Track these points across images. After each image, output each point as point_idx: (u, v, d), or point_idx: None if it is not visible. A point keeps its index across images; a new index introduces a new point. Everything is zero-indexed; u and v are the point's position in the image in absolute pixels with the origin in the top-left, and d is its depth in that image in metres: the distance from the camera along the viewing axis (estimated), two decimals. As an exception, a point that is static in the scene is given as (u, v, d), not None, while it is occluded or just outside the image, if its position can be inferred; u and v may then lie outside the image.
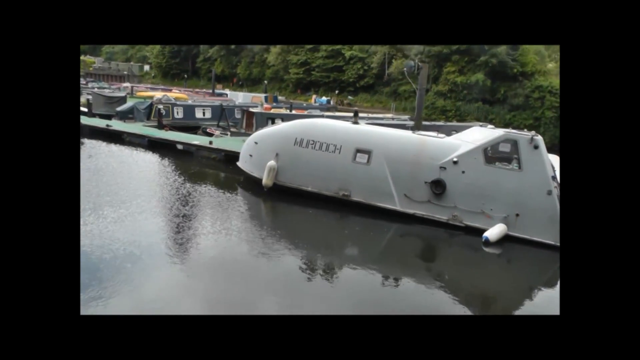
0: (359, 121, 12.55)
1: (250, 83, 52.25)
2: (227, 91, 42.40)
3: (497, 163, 9.90)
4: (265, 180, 11.73)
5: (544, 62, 32.08)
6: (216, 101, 24.82)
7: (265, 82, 45.91)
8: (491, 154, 10.01)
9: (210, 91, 37.53)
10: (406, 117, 30.57)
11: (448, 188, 10.11)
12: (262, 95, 38.88)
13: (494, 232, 9.40)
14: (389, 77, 45.36)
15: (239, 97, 35.94)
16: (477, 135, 10.60)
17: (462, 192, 10.05)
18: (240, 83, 52.99)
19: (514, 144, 9.72)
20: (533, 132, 9.78)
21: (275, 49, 49.14)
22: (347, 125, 11.80)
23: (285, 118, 19.88)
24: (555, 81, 28.60)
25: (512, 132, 10.03)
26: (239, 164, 13.34)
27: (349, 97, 48.44)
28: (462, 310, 6.80)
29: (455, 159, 10.08)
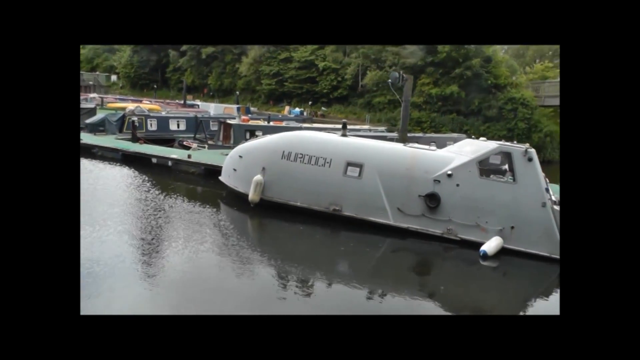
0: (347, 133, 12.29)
1: (222, 94, 51.40)
2: (198, 102, 41.47)
3: (491, 176, 9.81)
4: (252, 196, 11.26)
5: (516, 75, 32.99)
6: (190, 113, 24.11)
7: (237, 92, 45.22)
8: (484, 167, 9.93)
9: (182, 102, 36.57)
10: (383, 128, 30.73)
11: (443, 201, 9.94)
12: (235, 106, 38.23)
13: (491, 245, 9.27)
14: (363, 89, 45.63)
15: (211, 108, 35.17)
16: (470, 147, 10.51)
17: (456, 205, 9.90)
18: (211, 94, 52.05)
19: (508, 156, 9.67)
20: (527, 145, 9.76)
21: (247, 59, 48.60)
22: (337, 137, 11.50)
23: (263, 130, 19.49)
24: (527, 93, 29.40)
25: (505, 144, 9.99)
26: (221, 178, 12.81)
27: (323, 108, 48.41)
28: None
29: (449, 172, 9.93)
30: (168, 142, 19.67)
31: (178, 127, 21.26)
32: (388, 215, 10.43)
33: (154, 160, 16.05)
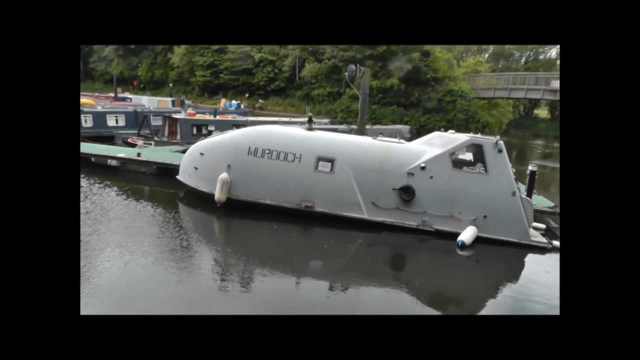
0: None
1: (153, 86, 48.65)
2: (129, 95, 38.81)
3: (464, 167, 10.02)
4: (219, 195, 10.62)
5: (453, 69, 34.44)
6: (129, 107, 22.39)
7: (170, 85, 43.00)
8: (455, 159, 10.13)
9: (113, 95, 34.01)
10: (326, 120, 30.70)
11: (417, 194, 10.00)
12: (169, 99, 36.30)
13: (468, 234, 9.49)
14: (301, 81, 45.32)
15: (144, 102, 33.07)
16: (440, 140, 10.65)
17: (431, 197, 10.01)
18: (141, 86, 49.02)
19: (479, 148, 9.91)
20: (497, 137, 10.07)
21: (179, 49, 46.31)
22: (306, 132, 11.16)
23: (211, 124, 18.62)
24: (464, 86, 30.79)
25: (477, 136, 10.24)
26: (180, 177, 11.97)
27: (260, 100, 47.52)
28: (436, 312, 6.82)
29: (423, 165, 10.00)
30: (107, 139, 18.11)
31: (117, 123, 19.62)
32: (362, 209, 10.32)
33: (93, 159, 14.61)
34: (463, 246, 9.34)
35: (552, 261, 9.69)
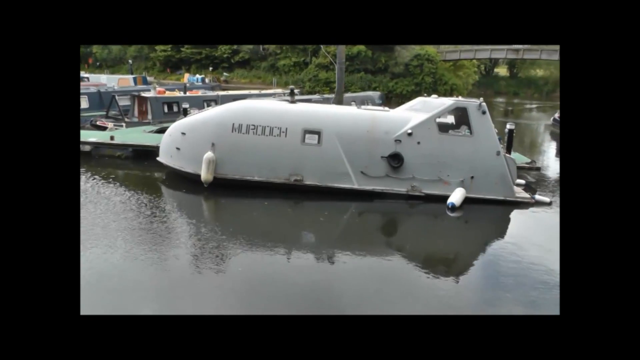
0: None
1: (110, 63, 46.37)
2: (85, 74, 36.84)
3: (449, 131, 10.17)
4: (205, 175, 10.41)
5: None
6: (90, 87, 21.30)
7: (130, 61, 41.06)
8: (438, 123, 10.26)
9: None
10: (297, 90, 30.25)
11: (405, 160, 10.13)
12: (130, 76, 34.69)
13: (457, 196, 9.74)
14: (266, 52, 44.28)
15: (104, 80, 31.48)
16: (424, 105, 10.73)
17: (419, 162, 10.16)
18: (98, 64, 46.62)
19: (464, 111, 10.06)
20: (481, 99, 10.23)
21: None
22: (289, 105, 10.99)
23: (182, 102, 18.03)
24: (430, 50, 30.85)
25: (461, 100, 10.36)
26: (160, 159, 11.62)
27: (225, 74, 46.29)
28: (431, 275, 7.15)
29: (409, 131, 10.09)
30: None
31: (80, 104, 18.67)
32: (352, 179, 10.38)
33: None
34: (453, 208, 9.60)
35: (536, 215, 10.16)
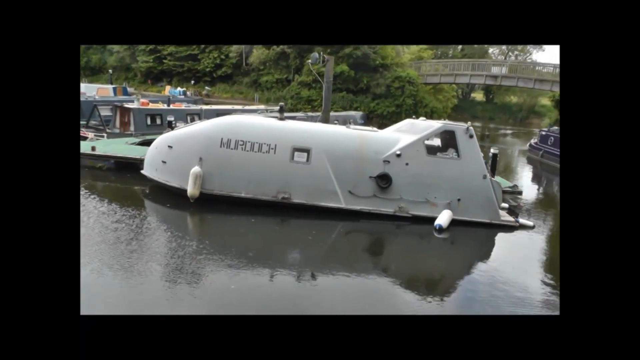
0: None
1: (89, 72, 45.54)
2: (63, 83, 35.96)
3: (437, 153, 10.33)
4: (192, 190, 10.23)
5: (400, 55, 35.07)
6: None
7: (110, 71, 40.45)
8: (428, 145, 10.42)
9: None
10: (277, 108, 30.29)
11: (393, 181, 10.21)
12: (110, 86, 34.11)
13: (444, 218, 9.85)
14: (249, 67, 44.30)
15: (82, 89, 30.81)
16: (413, 127, 10.89)
17: (407, 183, 10.26)
18: (75, 73, 45.69)
19: (452, 134, 10.26)
20: (468, 123, 10.45)
21: (117, 35, 43.57)
22: (279, 122, 10.98)
23: (165, 114, 17.80)
24: (412, 72, 31.51)
25: (449, 123, 10.56)
26: (145, 172, 11.38)
27: (207, 87, 45.99)
28: (417, 294, 7.14)
29: (398, 152, 10.20)
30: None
31: (59, 114, 18.18)
32: (339, 198, 10.38)
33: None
34: (441, 229, 9.70)
35: (520, 238, 10.35)
